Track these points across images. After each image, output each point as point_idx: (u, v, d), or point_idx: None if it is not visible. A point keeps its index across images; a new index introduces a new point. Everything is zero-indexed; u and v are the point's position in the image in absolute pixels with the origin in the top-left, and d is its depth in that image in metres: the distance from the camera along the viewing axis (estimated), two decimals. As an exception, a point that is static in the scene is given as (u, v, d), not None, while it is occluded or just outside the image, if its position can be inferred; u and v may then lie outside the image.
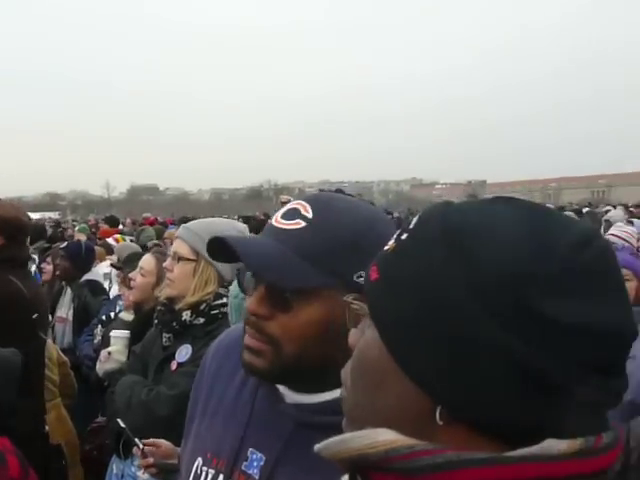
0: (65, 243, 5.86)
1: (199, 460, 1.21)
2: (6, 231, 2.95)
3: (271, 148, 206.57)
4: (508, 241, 0.64)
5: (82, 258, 5.22)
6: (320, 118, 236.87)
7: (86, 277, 5.15)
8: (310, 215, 1.07)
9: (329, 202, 1.11)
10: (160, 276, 3.20)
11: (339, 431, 0.93)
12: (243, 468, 1.14)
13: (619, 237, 4.42)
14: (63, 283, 5.31)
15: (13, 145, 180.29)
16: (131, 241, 7.40)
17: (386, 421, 0.67)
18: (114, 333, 3.34)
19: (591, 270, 0.64)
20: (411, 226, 0.71)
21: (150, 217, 18.28)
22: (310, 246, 1.04)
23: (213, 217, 3.09)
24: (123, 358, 3.22)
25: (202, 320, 2.49)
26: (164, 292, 2.68)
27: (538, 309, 0.61)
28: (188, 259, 2.56)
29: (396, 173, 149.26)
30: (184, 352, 2.49)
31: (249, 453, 1.14)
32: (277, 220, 1.10)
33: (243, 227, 2.83)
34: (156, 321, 2.66)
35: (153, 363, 2.61)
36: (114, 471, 2.78)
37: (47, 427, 3.21)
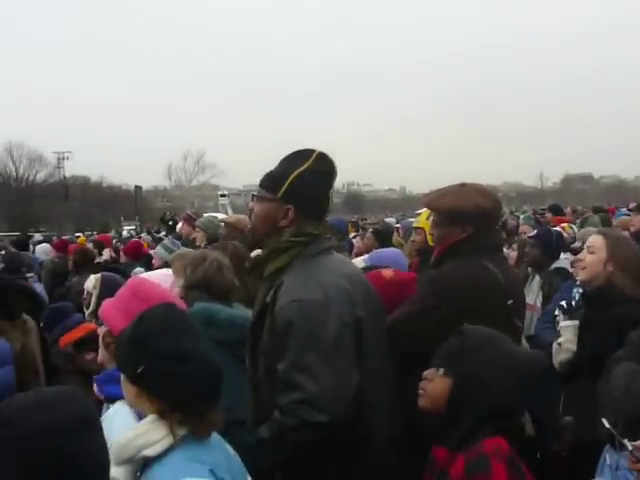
0: (535, 231, 5.94)
1: None
2: (474, 220, 3.05)
3: None
4: None
5: (553, 246, 5.29)
6: None
7: (555, 265, 5.21)
8: None
9: None
10: (611, 254, 3.26)
11: None
12: None
13: None
14: (529, 270, 5.46)
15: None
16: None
17: None
18: (563, 323, 3.37)
19: None
20: None
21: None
22: None
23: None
24: (574, 347, 3.24)
25: None
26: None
27: None
28: None
29: None
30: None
31: None
32: None
33: None
34: None
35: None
36: (607, 461, 2.74)
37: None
